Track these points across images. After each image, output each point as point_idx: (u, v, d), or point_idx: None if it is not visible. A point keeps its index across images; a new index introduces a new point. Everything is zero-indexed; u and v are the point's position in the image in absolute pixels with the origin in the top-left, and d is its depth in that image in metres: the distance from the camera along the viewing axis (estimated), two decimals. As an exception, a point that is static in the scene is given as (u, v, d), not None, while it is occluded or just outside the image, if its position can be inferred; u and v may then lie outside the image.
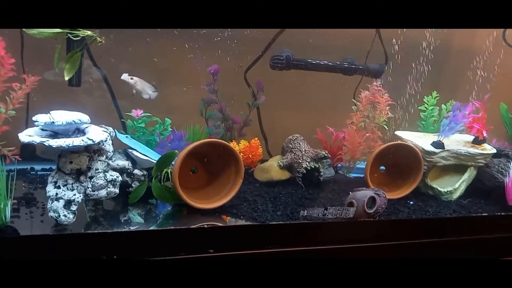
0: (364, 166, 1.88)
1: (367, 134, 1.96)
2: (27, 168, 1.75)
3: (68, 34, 1.48)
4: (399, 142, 1.91)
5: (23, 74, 1.58)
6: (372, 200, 1.66)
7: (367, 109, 1.94)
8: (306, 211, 1.57)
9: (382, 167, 2.01)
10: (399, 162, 1.94)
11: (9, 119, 1.54)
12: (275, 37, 1.90)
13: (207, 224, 1.45)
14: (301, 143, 1.95)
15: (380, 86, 1.91)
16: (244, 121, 1.94)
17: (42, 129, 1.35)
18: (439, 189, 1.96)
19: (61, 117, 1.29)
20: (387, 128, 1.98)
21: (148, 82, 1.72)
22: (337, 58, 2.03)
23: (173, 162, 1.51)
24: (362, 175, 1.91)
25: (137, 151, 1.53)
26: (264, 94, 1.99)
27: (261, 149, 1.95)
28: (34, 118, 1.28)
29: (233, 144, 1.80)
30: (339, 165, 2.11)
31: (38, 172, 1.74)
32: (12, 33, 1.59)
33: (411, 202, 1.90)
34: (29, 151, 1.69)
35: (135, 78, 1.69)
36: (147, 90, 1.71)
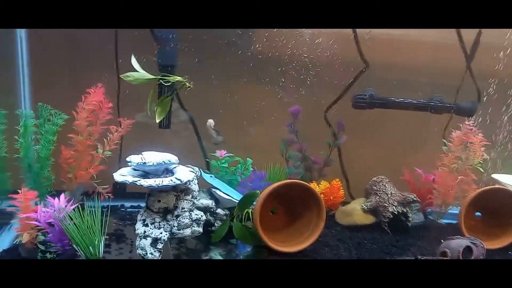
0: (457, 212, 1.74)
1: (460, 177, 1.82)
2: (118, 205, 1.86)
3: (160, 80, 1.59)
4: (497, 186, 1.75)
5: (119, 118, 1.72)
6: (468, 250, 1.52)
7: (459, 150, 1.81)
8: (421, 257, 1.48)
9: (478, 213, 1.84)
10: (497, 208, 1.77)
11: (106, 159, 1.68)
12: (357, 76, 1.88)
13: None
14: (386, 185, 1.86)
15: (473, 125, 1.78)
16: (324, 161, 1.90)
17: (134, 169, 1.43)
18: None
19: (152, 158, 1.36)
20: (482, 171, 1.82)
21: (213, 129, 1.76)
22: (424, 95, 1.94)
23: (254, 203, 1.51)
24: (455, 221, 1.77)
25: (221, 191, 1.56)
26: (345, 133, 1.96)
27: (342, 190, 1.89)
28: (127, 159, 1.36)
29: (313, 185, 1.77)
30: (429, 210, 1.97)
31: (128, 209, 1.84)
32: (109, 79, 1.75)
33: (512, 254, 1.71)
34: (120, 189, 1.81)
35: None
36: (214, 136, 1.76)
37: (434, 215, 1.96)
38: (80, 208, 1.28)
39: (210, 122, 1.72)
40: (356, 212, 1.82)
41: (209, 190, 1.60)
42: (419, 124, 2.04)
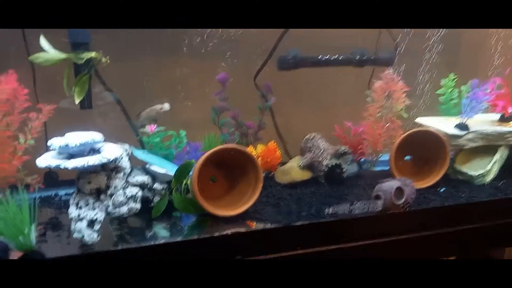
0: (388, 158, 1.82)
1: (387, 125, 1.90)
2: (51, 195, 1.77)
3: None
4: (420, 128, 1.84)
5: (38, 104, 1.62)
6: (399, 191, 1.60)
7: (382, 99, 1.88)
8: (331, 208, 1.53)
9: (407, 157, 1.95)
10: (423, 149, 1.87)
11: (29, 149, 1.58)
12: (279, 38, 1.88)
13: (231, 232, 1.42)
14: (319, 141, 1.91)
15: (393, 74, 1.86)
16: (258, 125, 1.91)
17: (60, 153, 1.36)
18: (470, 173, 1.88)
19: (75, 138, 1.30)
20: (406, 116, 1.92)
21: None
22: (346, 52, 1.99)
23: (190, 173, 1.49)
24: (387, 168, 1.85)
25: (155, 166, 1.53)
26: (275, 96, 1.97)
27: (279, 151, 1.92)
28: (48, 143, 1.29)
29: (250, 149, 1.78)
30: (362, 160, 2.05)
31: (62, 197, 1.76)
32: (22, 64, 1.63)
33: (442, 189, 1.83)
34: (51, 178, 1.72)
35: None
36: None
37: (368, 164, 2.03)
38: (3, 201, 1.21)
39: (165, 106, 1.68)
40: (293, 170, 1.86)
41: (143, 167, 1.57)
42: (344, 79, 2.09)
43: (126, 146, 1.56)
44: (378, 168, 2.03)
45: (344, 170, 1.86)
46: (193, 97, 1.90)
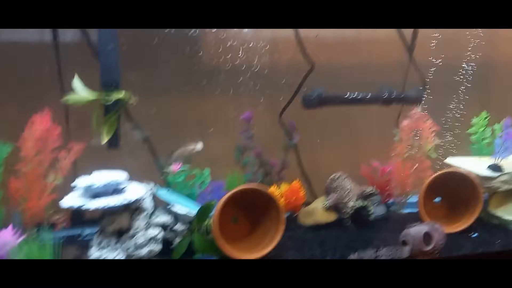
0: (416, 200, 1.76)
1: (415, 165, 1.84)
2: (77, 234, 1.78)
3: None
4: (450, 170, 1.77)
5: (69, 142, 1.67)
6: (428, 236, 1.53)
7: (410, 138, 1.84)
8: (356, 254, 1.48)
9: (437, 199, 1.86)
10: (454, 191, 1.79)
11: (58, 187, 1.62)
12: (305, 75, 1.89)
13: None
14: (344, 181, 1.86)
15: (421, 112, 1.82)
16: (282, 164, 1.90)
17: (86, 192, 1.39)
18: (505, 217, 1.79)
19: (99, 178, 1.32)
20: (435, 156, 1.86)
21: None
22: (373, 89, 1.97)
23: (212, 213, 1.48)
24: (416, 210, 1.77)
25: (177, 205, 1.53)
26: (301, 133, 1.96)
27: (303, 191, 1.88)
28: (73, 184, 1.32)
29: (273, 189, 1.76)
30: (390, 201, 1.99)
31: (87, 237, 1.77)
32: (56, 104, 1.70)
33: (475, 235, 1.73)
34: (78, 216, 1.75)
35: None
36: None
37: (396, 206, 1.97)
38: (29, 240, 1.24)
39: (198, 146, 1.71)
40: (317, 211, 1.81)
41: (167, 207, 1.57)
42: (372, 116, 2.06)
43: (151, 185, 1.57)
44: (406, 211, 1.96)
45: (370, 212, 1.80)
46: (220, 134, 1.92)
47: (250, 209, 1.60)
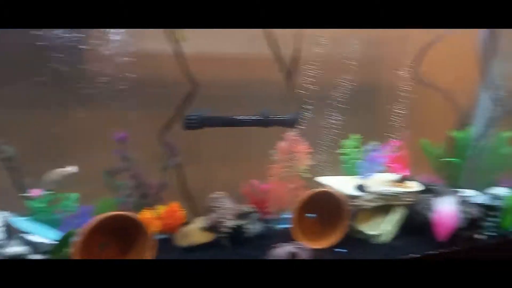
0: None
1: (290, 185, 1.97)
2: None
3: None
4: (321, 189, 1.91)
5: None
6: (293, 255, 1.65)
7: (286, 159, 1.95)
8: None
9: (312, 215, 2.00)
10: (325, 209, 1.95)
11: None
12: (188, 95, 1.91)
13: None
14: (223, 201, 1.93)
15: (296, 135, 1.94)
16: (159, 186, 1.90)
17: None
18: (369, 232, 1.98)
19: None
20: (308, 176, 2.00)
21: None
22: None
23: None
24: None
25: (33, 235, 1.46)
26: (186, 152, 1.99)
27: (183, 212, 1.90)
28: None
29: (148, 211, 1.75)
30: (268, 218, 2.08)
31: None
32: None
33: (343, 251, 1.89)
34: None
35: None
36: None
37: (273, 222, 2.08)
38: None
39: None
40: (194, 232, 1.85)
41: (22, 236, 1.50)
42: (255, 138, 2.14)
43: (5, 213, 1.48)
44: (283, 226, 2.06)
45: (247, 230, 1.88)
46: (95, 153, 1.86)
47: (120, 235, 1.59)
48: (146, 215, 1.75)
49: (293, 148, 1.95)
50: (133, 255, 1.58)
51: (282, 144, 1.96)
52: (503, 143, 2.35)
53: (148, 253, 1.55)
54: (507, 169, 2.38)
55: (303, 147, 1.96)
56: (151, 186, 1.89)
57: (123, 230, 1.57)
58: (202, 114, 1.90)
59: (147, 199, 1.86)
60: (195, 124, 1.88)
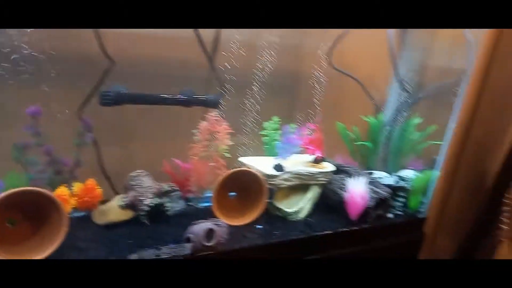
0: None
1: (211, 164, 2.07)
2: None
3: None
4: (241, 168, 2.03)
5: None
6: (211, 232, 1.73)
7: (207, 139, 2.04)
8: (136, 254, 1.59)
9: (233, 193, 2.13)
10: (245, 188, 2.08)
11: None
12: (104, 73, 1.91)
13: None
14: (143, 179, 1.97)
15: (217, 116, 2.03)
16: (74, 162, 1.89)
17: None
18: (285, 209, 2.13)
19: None
20: (229, 156, 2.10)
21: None
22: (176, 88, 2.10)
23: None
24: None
25: None
26: (105, 129, 2.00)
27: (100, 189, 1.92)
28: None
29: (61, 190, 1.75)
30: (190, 196, 2.18)
31: None
32: None
33: (259, 227, 2.03)
34: None
35: None
36: None
37: (195, 201, 2.18)
38: None
39: None
40: (112, 210, 1.89)
41: None
42: (177, 117, 2.19)
43: None
44: (205, 205, 2.17)
45: (167, 208, 1.94)
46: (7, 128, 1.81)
47: (31, 211, 1.60)
48: (60, 192, 1.75)
49: (214, 128, 2.04)
50: (46, 230, 1.59)
51: (204, 124, 2.04)
52: (411, 129, 2.61)
53: (61, 229, 1.57)
54: (414, 153, 2.65)
55: (224, 127, 2.05)
56: (65, 163, 1.87)
57: (34, 206, 1.58)
58: (119, 90, 1.91)
59: (61, 176, 1.85)
60: (111, 100, 1.89)
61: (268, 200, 2.10)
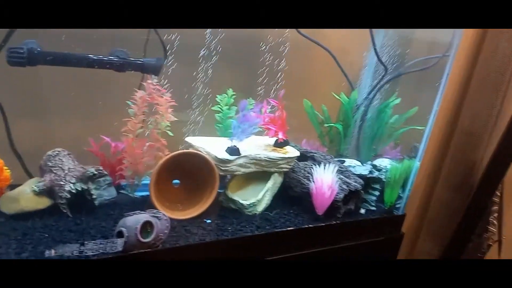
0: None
1: (149, 143, 2.01)
2: None
3: None
4: (186, 150, 1.98)
5: None
6: (149, 226, 1.69)
7: (145, 113, 1.99)
8: (54, 250, 1.52)
9: (177, 181, 2.09)
10: (191, 174, 2.04)
11: None
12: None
13: None
14: (64, 159, 1.90)
15: (158, 85, 1.97)
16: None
17: None
18: (241, 201, 2.11)
19: None
20: (171, 135, 2.05)
21: None
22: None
23: None
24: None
25: None
26: (14, 97, 1.91)
27: (8, 171, 1.83)
28: None
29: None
30: (123, 184, 2.12)
31: None
32: None
33: (208, 221, 2.01)
34: None
35: None
36: None
37: (128, 188, 2.11)
38: None
39: None
40: (24, 196, 1.80)
41: None
42: (106, 84, 2.13)
43: None
44: (142, 194, 2.12)
45: (94, 196, 1.88)
46: None
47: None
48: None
49: (153, 99, 1.98)
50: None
51: (141, 95, 1.97)
52: (389, 111, 2.66)
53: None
54: (392, 139, 2.70)
55: (166, 99, 1.99)
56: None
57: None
58: (33, 47, 1.81)
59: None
60: (22, 59, 1.79)
61: (220, 190, 2.08)
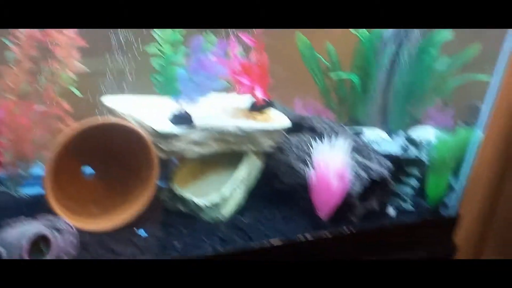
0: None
1: (41, 108, 1.99)
2: None
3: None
4: (104, 119, 1.94)
5: None
6: (43, 242, 1.69)
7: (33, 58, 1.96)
8: None
9: (90, 170, 2.08)
10: (113, 158, 2.04)
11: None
12: None
13: None
14: None
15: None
16: None
17: None
18: (196, 201, 2.08)
19: None
20: (80, 95, 2.06)
21: None
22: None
23: None
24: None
25: None
26: None
27: None
28: None
29: None
30: (2, 175, 2.11)
31: None
32: None
33: (143, 233, 2.00)
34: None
35: None
36: None
37: (10, 182, 2.11)
38: None
39: None
40: None
41: None
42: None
43: None
44: (30, 191, 2.13)
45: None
46: None
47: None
48: None
49: (48, 37, 1.95)
50: None
51: (29, 32, 1.94)
52: (434, 52, 2.63)
53: None
54: (439, 96, 2.69)
55: (69, 36, 1.97)
56: None
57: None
58: None
59: None
60: None
61: (161, 183, 2.08)
